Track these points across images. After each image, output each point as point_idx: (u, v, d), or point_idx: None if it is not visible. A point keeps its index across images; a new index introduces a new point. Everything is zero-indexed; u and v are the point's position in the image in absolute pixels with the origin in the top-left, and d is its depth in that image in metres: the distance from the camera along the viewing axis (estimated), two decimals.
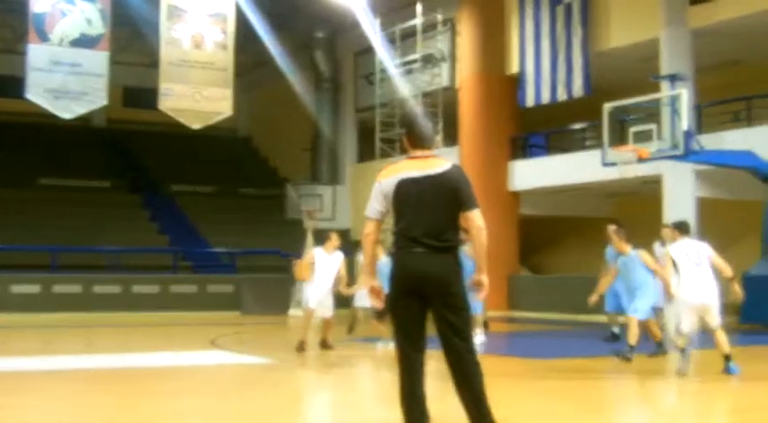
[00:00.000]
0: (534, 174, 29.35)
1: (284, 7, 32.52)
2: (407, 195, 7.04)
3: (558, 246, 34.24)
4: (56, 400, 10.61)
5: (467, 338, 7.05)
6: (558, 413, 9.65)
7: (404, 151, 7.40)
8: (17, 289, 26.87)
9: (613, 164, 22.33)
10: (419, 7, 30.77)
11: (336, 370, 14.18)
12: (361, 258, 14.29)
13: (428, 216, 6.99)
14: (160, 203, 36.89)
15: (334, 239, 16.10)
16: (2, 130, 37.56)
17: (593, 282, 15.76)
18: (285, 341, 18.54)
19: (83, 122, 35.06)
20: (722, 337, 12.15)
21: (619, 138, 22.45)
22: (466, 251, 9.59)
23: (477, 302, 16.47)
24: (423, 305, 7.03)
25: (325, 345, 16.04)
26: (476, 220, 7.04)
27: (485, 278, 7.16)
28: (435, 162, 7.13)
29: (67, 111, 25.74)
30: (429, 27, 31.14)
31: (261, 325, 19.29)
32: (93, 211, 33.14)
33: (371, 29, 31.95)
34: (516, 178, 29.82)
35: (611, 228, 15.03)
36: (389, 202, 7.11)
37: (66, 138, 38.10)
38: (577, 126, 29.69)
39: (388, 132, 31.14)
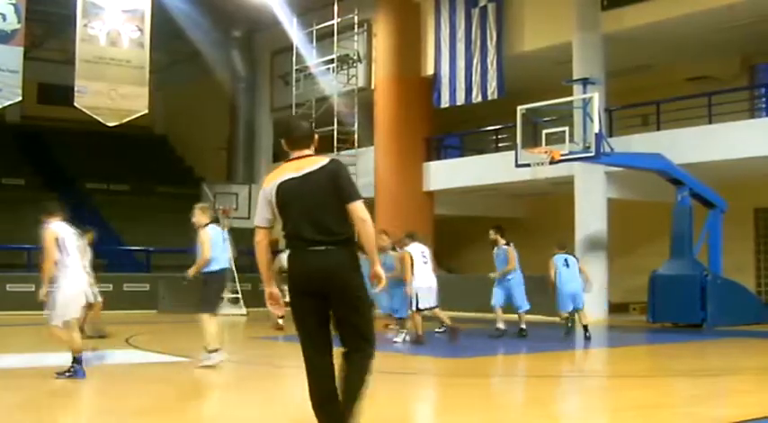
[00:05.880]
0: (449, 174, 29.63)
1: (201, 6, 32.41)
2: (289, 197, 6.92)
3: (473, 246, 34.56)
4: None
5: (368, 338, 6.97)
6: (462, 409, 9.83)
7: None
8: None
9: (526, 165, 22.70)
10: (336, 8, 30.89)
11: (253, 368, 14.22)
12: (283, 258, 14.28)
13: (313, 213, 6.85)
14: (75, 201, 36.40)
15: None
16: None
17: None
18: (200, 340, 18.55)
19: None
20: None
21: (532, 139, 22.85)
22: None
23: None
24: (324, 306, 6.89)
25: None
26: (358, 211, 6.85)
27: (380, 270, 6.98)
28: (313, 160, 7.06)
29: None
30: (346, 28, 31.27)
31: (177, 323, 19.20)
32: (7, 208, 32.67)
33: (289, 28, 32.00)
34: (431, 178, 30.07)
35: None
36: (273, 207, 7.00)
37: None
38: (491, 127, 30.05)
39: None
